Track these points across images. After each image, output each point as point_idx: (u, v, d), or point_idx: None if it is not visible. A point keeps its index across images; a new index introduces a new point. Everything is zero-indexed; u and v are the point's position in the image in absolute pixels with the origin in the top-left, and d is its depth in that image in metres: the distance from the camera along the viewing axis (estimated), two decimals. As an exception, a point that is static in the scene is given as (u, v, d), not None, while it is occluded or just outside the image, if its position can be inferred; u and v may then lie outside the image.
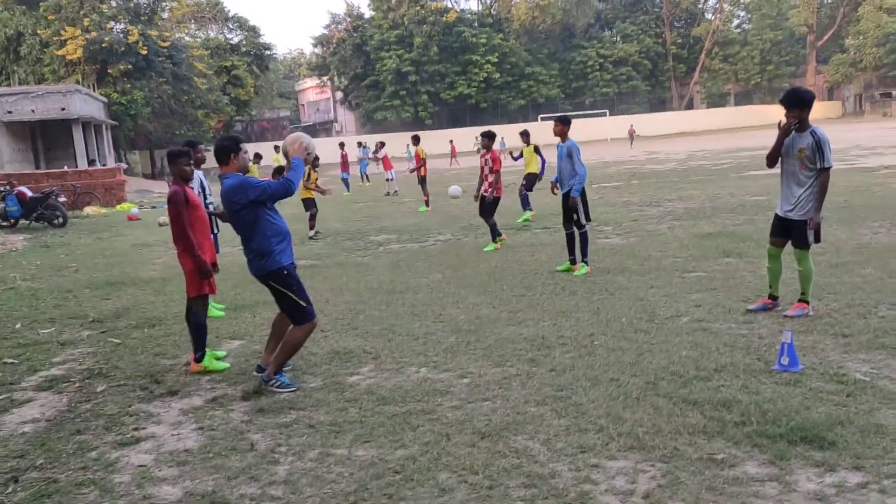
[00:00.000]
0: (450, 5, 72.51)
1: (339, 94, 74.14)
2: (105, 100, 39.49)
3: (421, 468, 3.95)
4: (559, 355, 5.71)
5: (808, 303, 6.41)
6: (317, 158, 13.70)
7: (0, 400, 5.60)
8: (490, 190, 10.98)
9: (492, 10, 73.90)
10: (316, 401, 5.10)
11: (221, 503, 3.75)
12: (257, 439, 4.51)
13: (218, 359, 6.15)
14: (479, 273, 9.35)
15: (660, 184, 20.52)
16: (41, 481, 4.13)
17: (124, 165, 34.76)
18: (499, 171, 10.94)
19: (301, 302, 5.37)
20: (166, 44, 40.58)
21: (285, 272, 5.37)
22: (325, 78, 74.11)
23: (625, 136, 53.49)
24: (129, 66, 39.66)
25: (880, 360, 5.12)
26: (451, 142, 40.76)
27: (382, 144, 25.04)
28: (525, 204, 14.86)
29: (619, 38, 75.49)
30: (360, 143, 31.80)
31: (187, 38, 52.50)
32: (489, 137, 11.10)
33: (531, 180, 15.05)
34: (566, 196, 8.93)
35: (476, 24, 69.35)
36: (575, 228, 8.96)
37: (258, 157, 21.27)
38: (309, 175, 13.95)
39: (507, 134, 36.55)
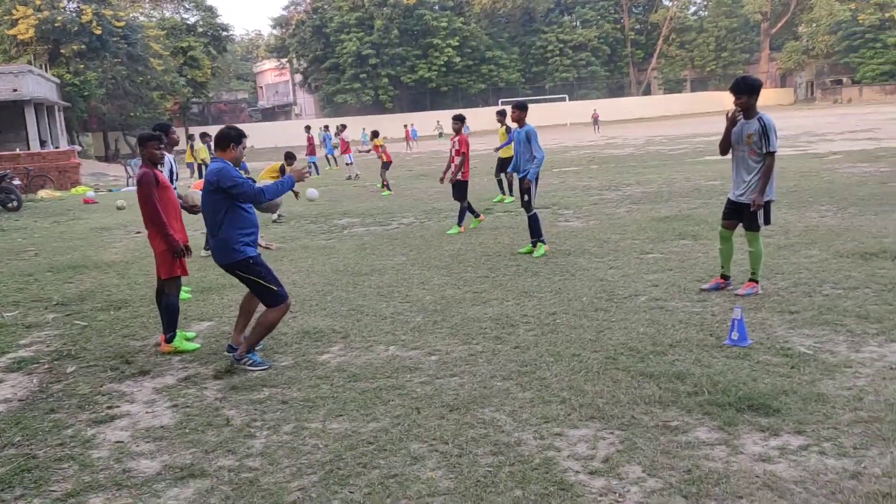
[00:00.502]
0: (410, -12, 72.17)
1: (299, 77, 73.38)
2: (58, 81, 38.56)
3: (393, 439, 4.13)
4: (523, 333, 5.94)
5: (757, 282, 6.73)
6: (292, 155, 13.68)
7: (-31, 381, 5.62)
8: (457, 173, 11.15)
9: (452, -6, 73.77)
10: (288, 378, 5.24)
11: (200, 475, 3.88)
12: (232, 415, 4.64)
13: (188, 339, 6.25)
14: (443, 255, 9.54)
15: (618, 168, 20.90)
16: (20, 457, 4.21)
17: (79, 148, 33.98)
18: (465, 154, 11.11)
19: (272, 286, 5.48)
20: (121, 23, 39.69)
21: (251, 261, 5.44)
22: (284, 60, 73.27)
23: (584, 121, 54.05)
24: (83, 47, 38.75)
25: (823, 335, 5.44)
26: (406, 126, 40.73)
27: (343, 127, 25.00)
28: (506, 187, 15.22)
29: (578, 24, 76.06)
30: (325, 127, 31.61)
31: (142, 18, 51.35)
32: (459, 121, 11.26)
33: (506, 164, 15.30)
34: (522, 180, 9.14)
35: (437, 8, 69.18)
36: (524, 210, 9.18)
37: (205, 135, 21.13)
38: (283, 169, 13.89)
39: (471, 115, 36.62)
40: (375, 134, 19.60)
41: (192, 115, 61.92)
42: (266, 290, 5.49)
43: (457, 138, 11.19)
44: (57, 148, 33.21)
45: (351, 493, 3.58)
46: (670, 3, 78.17)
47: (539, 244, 9.17)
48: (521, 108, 9.31)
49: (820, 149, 22.37)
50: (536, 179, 9.11)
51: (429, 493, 3.52)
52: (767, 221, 6.67)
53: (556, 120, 61.23)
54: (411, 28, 67.16)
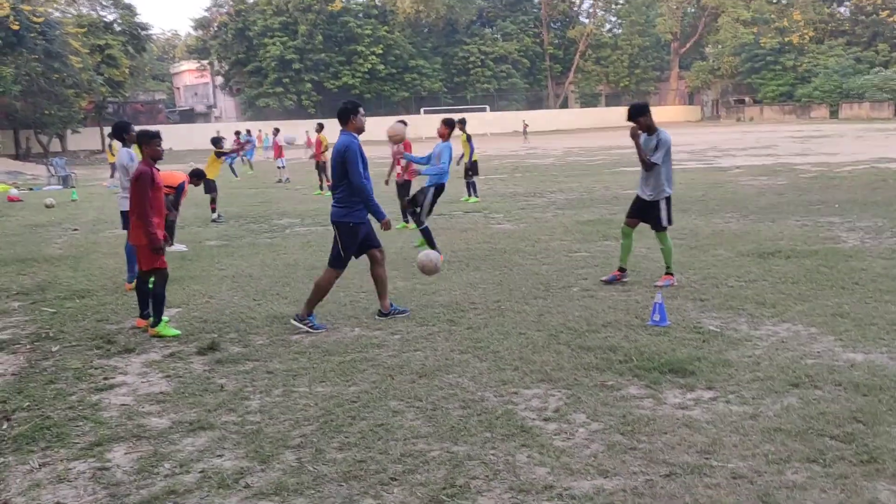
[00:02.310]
0: (335, -5, 72.40)
1: (220, 80, 72.36)
2: (-31, 76, 37.18)
3: (374, 398, 4.80)
4: (473, 317, 6.69)
5: (672, 275, 7.70)
6: (219, 140, 14.06)
7: (-44, 360, 5.95)
8: (402, 174, 11.97)
9: (377, 2, 74.36)
10: (268, 354, 5.83)
11: (208, 427, 4.45)
12: (224, 383, 5.21)
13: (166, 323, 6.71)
14: (388, 252, 10.12)
15: (541, 177, 22.01)
16: (35, 418, 4.67)
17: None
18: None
19: (342, 254, 6.51)
20: (39, 19, 38.56)
21: (350, 225, 6.46)
22: (204, 62, 72.12)
23: (503, 132, 55.53)
24: (-1, 42, 37.51)
25: (728, 318, 6.40)
26: (307, 132, 39.72)
27: (277, 131, 25.27)
28: (474, 190, 16.31)
29: (499, 36, 77.83)
30: (248, 131, 31.63)
31: (56, 14, 49.82)
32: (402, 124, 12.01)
33: (473, 167, 16.28)
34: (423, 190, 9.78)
35: (361, 16, 69.62)
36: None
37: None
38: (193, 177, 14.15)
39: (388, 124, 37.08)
40: (321, 127, 19.91)
41: (108, 114, 60.17)
42: (337, 254, 6.52)
43: (401, 143, 11.90)
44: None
45: (346, 437, 4.23)
46: (587, 21, 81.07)
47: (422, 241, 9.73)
48: (448, 125, 10.00)
49: (725, 163, 24.10)
50: (436, 191, 9.63)
51: (413, 437, 4.21)
52: (670, 221, 7.68)
53: (478, 129, 62.49)
54: (335, 34, 67.37)
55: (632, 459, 3.85)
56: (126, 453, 4.14)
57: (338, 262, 6.58)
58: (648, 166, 7.48)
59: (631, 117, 7.55)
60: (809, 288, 7.22)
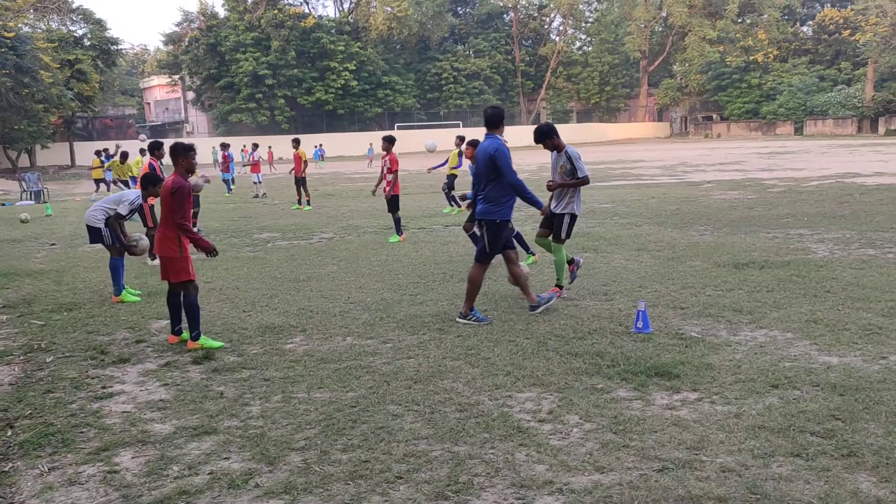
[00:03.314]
0: (308, 11, 72.62)
1: (191, 95, 72.01)
2: (-63, 89, 36.67)
3: (372, 403, 4.94)
4: (461, 326, 6.85)
5: (561, 288, 7.88)
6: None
7: (-51, 371, 5.97)
8: (388, 188, 12.17)
9: (350, 18, 74.74)
10: (263, 362, 5.93)
11: (212, 432, 4.55)
12: (223, 390, 5.31)
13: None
14: (373, 265, 10.35)
15: (517, 192, 22.25)
16: (38, 425, 4.73)
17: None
18: (396, 172, 12.15)
19: (489, 250, 6.98)
20: (10, 34, 38.17)
21: (497, 222, 6.94)
22: (175, 77, 71.77)
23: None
24: (-33, 56, 37.09)
25: (708, 324, 6.64)
26: (270, 148, 39.52)
27: (256, 146, 25.28)
28: (451, 200, 16.84)
29: (471, 53, 78.60)
30: (255, 145, 31.19)
31: (26, 28, 49.33)
32: (389, 141, 12.34)
33: (452, 180, 16.87)
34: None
35: (334, 31, 69.84)
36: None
37: (125, 156, 20.91)
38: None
39: (367, 139, 37.23)
40: (297, 142, 20.02)
41: (77, 129, 59.62)
42: (484, 251, 7.01)
43: (388, 157, 12.16)
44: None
45: (349, 440, 4.37)
46: (557, 39, 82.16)
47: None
48: (472, 146, 10.24)
49: (695, 178, 24.62)
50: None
51: (414, 438, 4.36)
52: (568, 235, 7.91)
53: (450, 146, 62.92)
54: (308, 50, 67.50)
55: (625, 456, 4.03)
56: (133, 457, 4.23)
57: (484, 256, 7.07)
58: (584, 182, 7.76)
59: (538, 139, 7.80)
60: (784, 296, 7.51)
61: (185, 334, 6.62)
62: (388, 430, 4.47)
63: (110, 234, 8.53)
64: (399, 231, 12.63)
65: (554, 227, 7.95)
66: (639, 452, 4.06)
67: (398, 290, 8.54)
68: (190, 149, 6.63)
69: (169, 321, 7.40)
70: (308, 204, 19.30)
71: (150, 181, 10.13)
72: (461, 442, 4.29)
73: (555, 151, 7.87)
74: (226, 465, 4.08)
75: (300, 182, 19.23)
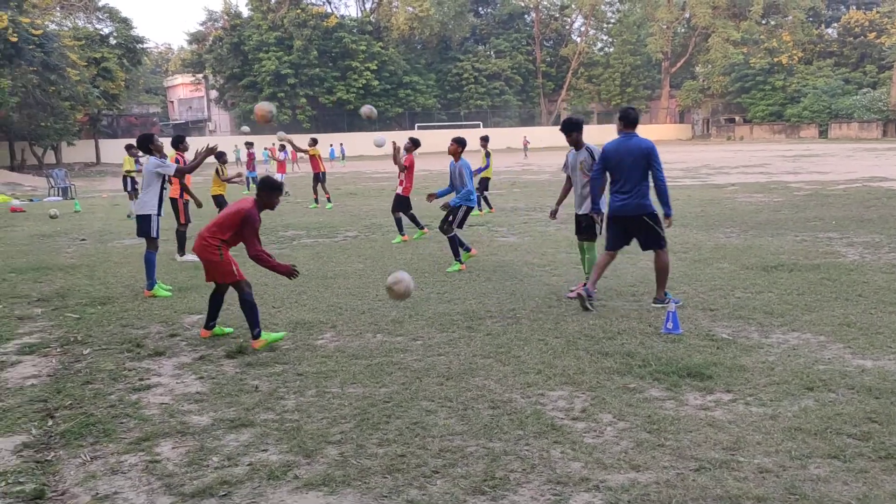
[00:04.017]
0: (330, 10, 72.95)
1: (214, 93, 72.59)
2: (-34, 87, 37.20)
3: (405, 399, 4.98)
4: (491, 324, 6.88)
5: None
6: (222, 154, 14.26)
7: (-11, 362, 6.09)
8: (400, 188, 12.25)
9: (371, 18, 74.96)
10: (295, 357, 6.00)
11: (249, 424, 4.62)
12: (258, 384, 5.37)
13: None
14: (399, 263, 10.40)
15: (540, 192, 22.27)
16: (78, 415, 4.82)
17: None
18: (410, 171, 12.22)
19: (663, 234, 7.36)
20: (38, 31, 38.68)
21: (656, 215, 7.34)
22: (199, 76, 72.38)
23: (498, 148, 55.84)
24: (-3, 54, 37.64)
25: (738, 326, 6.62)
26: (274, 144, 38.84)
27: (283, 147, 25.46)
28: (487, 203, 16.81)
29: (492, 53, 78.54)
30: (248, 144, 31.60)
31: (53, 26, 49.97)
32: (413, 143, 12.52)
33: (487, 182, 16.78)
34: (455, 206, 9.79)
35: (356, 31, 70.09)
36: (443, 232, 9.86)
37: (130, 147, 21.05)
38: (219, 171, 14.43)
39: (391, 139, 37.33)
40: (314, 141, 20.15)
41: (103, 127, 60.32)
42: (660, 237, 7.37)
43: (408, 158, 12.24)
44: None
45: (384, 434, 4.41)
46: (579, 39, 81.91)
47: (456, 263, 9.72)
48: (459, 143, 10.09)
49: (719, 180, 24.46)
50: (468, 210, 9.85)
51: (449, 434, 4.40)
52: (601, 232, 8.00)
53: (471, 146, 62.93)
54: (330, 50, 67.82)
55: (661, 455, 4.04)
56: (174, 448, 4.30)
57: (663, 241, 7.42)
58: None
59: (568, 128, 7.94)
60: (815, 299, 7.46)
61: (218, 329, 6.70)
62: (423, 426, 4.51)
63: (157, 224, 8.66)
64: (401, 231, 12.60)
65: (583, 227, 7.96)
66: (674, 452, 4.07)
67: (425, 288, 8.58)
68: (279, 188, 6.49)
69: (199, 316, 7.54)
70: (325, 202, 19.44)
71: (176, 140, 11.04)
72: (495, 438, 4.32)
73: (573, 149, 8.00)
74: (264, 457, 4.14)
75: (318, 180, 19.36)
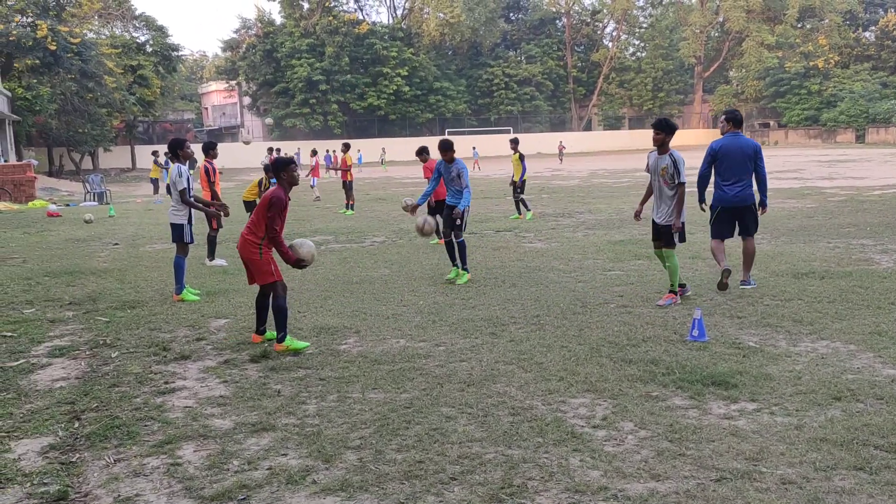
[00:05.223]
0: (362, 17, 73.50)
1: (247, 100, 73.47)
2: (9, 94, 38.13)
3: (426, 405, 4.98)
4: (514, 330, 6.86)
5: (675, 293, 7.83)
6: (293, 160, 14.41)
7: (20, 364, 6.22)
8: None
9: (403, 25, 75.33)
10: (318, 362, 6.03)
11: (270, 429, 4.65)
12: (280, 388, 5.41)
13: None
14: (424, 269, 10.42)
15: (568, 198, 22.18)
16: (104, 418, 4.90)
17: (35, 162, 33.69)
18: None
19: (757, 225, 8.50)
20: (77, 40, 39.57)
21: (756, 203, 8.38)
22: (232, 82, 73.34)
23: (528, 153, 55.73)
24: (36, 61, 38.53)
25: (766, 334, 6.52)
26: (332, 151, 39.05)
27: (315, 152, 25.69)
28: (525, 206, 16.95)
29: (523, 59, 78.41)
30: (270, 150, 31.96)
31: (90, 35, 51.05)
32: (428, 152, 12.58)
33: (521, 185, 16.89)
34: (453, 209, 9.45)
35: (387, 38, 70.48)
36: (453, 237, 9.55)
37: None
38: (262, 183, 14.53)
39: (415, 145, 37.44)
40: (347, 147, 20.32)
41: (139, 133, 61.44)
42: (757, 223, 8.51)
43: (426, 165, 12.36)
44: (6, 162, 32.82)
45: (403, 440, 4.41)
46: (610, 44, 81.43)
47: (463, 272, 9.40)
48: (449, 147, 9.58)
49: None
50: (467, 209, 9.51)
51: (468, 440, 4.39)
52: (682, 239, 7.96)
53: (502, 151, 62.90)
54: (361, 56, 68.31)
55: (682, 465, 3.99)
56: (195, 451, 4.35)
57: (755, 229, 8.52)
58: (681, 191, 7.76)
59: (661, 127, 7.77)
60: (846, 307, 7.32)
61: (269, 333, 6.73)
62: (442, 432, 4.50)
63: (190, 231, 8.78)
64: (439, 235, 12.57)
65: (663, 235, 7.93)
66: (696, 461, 4.02)
67: (449, 294, 8.58)
68: (291, 162, 6.58)
69: (226, 320, 7.63)
70: (351, 208, 19.57)
71: (207, 147, 11.31)
72: (515, 446, 4.30)
73: (655, 151, 7.87)
74: (284, 462, 4.17)
75: (348, 186, 19.52)
